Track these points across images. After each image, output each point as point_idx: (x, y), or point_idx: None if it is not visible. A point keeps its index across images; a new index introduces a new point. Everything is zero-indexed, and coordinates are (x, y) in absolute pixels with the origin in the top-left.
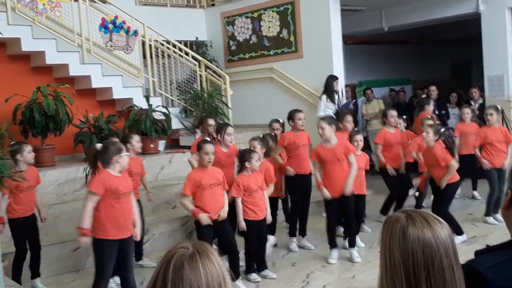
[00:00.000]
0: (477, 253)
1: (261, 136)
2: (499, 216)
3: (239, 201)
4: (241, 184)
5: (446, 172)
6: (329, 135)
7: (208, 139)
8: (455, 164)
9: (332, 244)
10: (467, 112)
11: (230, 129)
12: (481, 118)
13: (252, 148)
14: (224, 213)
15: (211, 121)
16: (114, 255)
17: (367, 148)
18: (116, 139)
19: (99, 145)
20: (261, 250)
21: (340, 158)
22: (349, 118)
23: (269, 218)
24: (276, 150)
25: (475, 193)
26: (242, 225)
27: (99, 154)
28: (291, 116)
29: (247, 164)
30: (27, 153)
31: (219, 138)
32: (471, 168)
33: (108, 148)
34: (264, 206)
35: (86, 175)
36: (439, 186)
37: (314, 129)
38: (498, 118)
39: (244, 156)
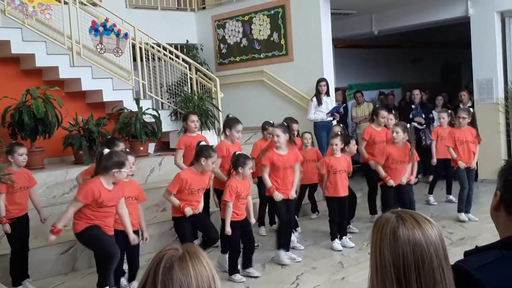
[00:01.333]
0: (467, 253)
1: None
2: (471, 215)
3: (230, 205)
4: (234, 189)
5: (411, 169)
6: (283, 142)
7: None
8: None
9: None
10: (444, 116)
11: (239, 126)
12: (471, 122)
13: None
14: (201, 208)
15: (194, 117)
16: (104, 232)
17: (356, 151)
18: (121, 150)
19: (106, 151)
20: (250, 249)
21: (291, 166)
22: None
23: (253, 221)
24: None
25: (451, 197)
26: (228, 230)
27: (102, 159)
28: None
29: (240, 169)
30: (18, 156)
31: (227, 133)
32: (446, 172)
33: (111, 159)
34: (244, 210)
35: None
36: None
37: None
38: (468, 121)
39: (238, 161)
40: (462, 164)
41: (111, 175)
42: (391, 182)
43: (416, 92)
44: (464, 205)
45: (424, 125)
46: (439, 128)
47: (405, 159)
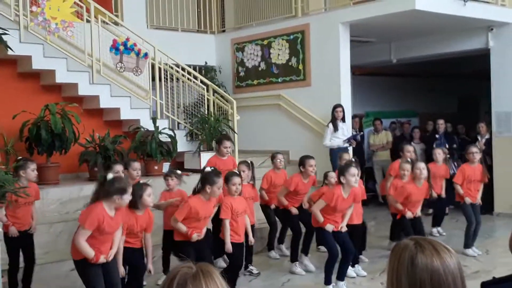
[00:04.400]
0: (484, 284)
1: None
2: (475, 248)
3: (227, 223)
4: (229, 206)
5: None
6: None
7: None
8: None
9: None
10: (439, 152)
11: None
12: (487, 154)
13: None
14: (204, 233)
15: (228, 143)
16: (100, 272)
17: (371, 178)
18: (122, 174)
19: (110, 176)
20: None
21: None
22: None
23: (252, 240)
24: (282, 192)
25: (440, 229)
26: (229, 247)
27: (105, 184)
28: (302, 162)
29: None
30: (31, 171)
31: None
32: (438, 207)
33: (113, 185)
34: (243, 232)
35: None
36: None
37: (319, 159)
38: (480, 157)
39: (227, 178)
40: (468, 200)
41: (113, 201)
42: (409, 214)
43: (441, 122)
44: (471, 240)
45: (448, 155)
46: (433, 166)
47: (422, 197)
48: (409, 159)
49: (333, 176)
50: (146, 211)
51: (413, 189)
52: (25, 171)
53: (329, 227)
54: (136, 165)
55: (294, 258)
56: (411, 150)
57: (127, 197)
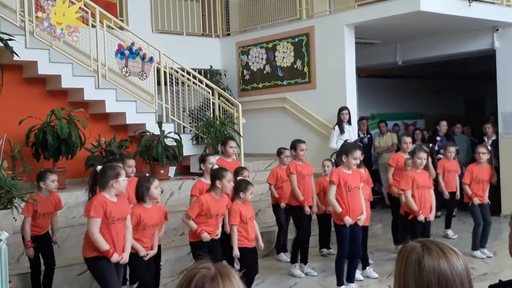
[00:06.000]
0: (491, 287)
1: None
2: (486, 250)
3: (235, 229)
4: (237, 212)
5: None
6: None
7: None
8: None
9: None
10: (452, 150)
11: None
12: (494, 156)
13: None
14: (219, 234)
15: (233, 143)
16: (113, 268)
17: (377, 181)
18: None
19: (99, 167)
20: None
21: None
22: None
23: (261, 245)
24: (293, 181)
25: (449, 231)
26: (236, 252)
27: (97, 176)
28: (294, 145)
29: (241, 194)
30: (50, 182)
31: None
32: (450, 205)
33: (105, 172)
34: (253, 237)
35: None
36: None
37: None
38: (487, 157)
39: (240, 186)
40: (476, 201)
41: (110, 187)
42: (422, 217)
43: (444, 123)
44: (479, 241)
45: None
46: (445, 161)
47: (428, 183)
48: (407, 151)
49: (328, 165)
50: (155, 206)
51: (415, 174)
52: (45, 182)
53: (348, 220)
54: (131, 162)
55: (293, 260)
56: (407, 141)
57: (123, 179)
